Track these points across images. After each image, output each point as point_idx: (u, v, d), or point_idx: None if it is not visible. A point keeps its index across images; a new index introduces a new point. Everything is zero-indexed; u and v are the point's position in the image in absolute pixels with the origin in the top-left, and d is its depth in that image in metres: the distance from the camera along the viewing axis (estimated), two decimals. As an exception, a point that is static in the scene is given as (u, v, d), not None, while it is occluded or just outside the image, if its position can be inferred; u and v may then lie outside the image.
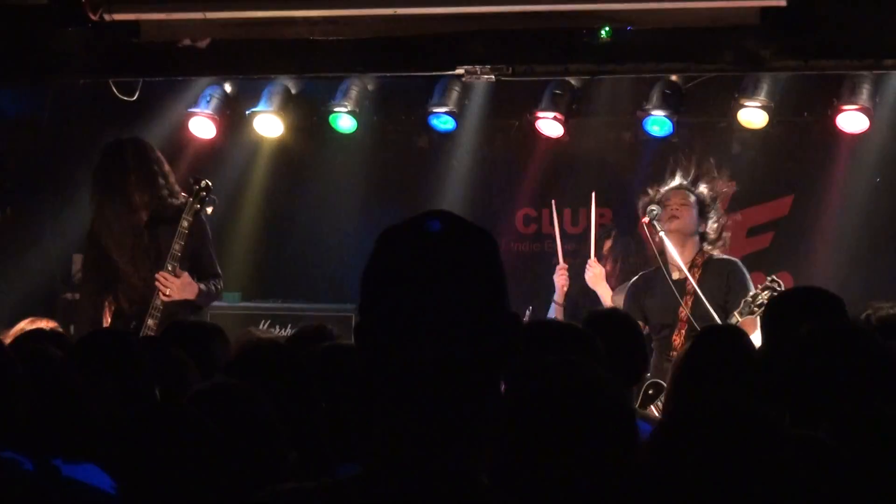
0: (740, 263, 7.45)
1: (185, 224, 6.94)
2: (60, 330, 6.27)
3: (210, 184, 7.08)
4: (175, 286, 6.93)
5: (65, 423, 3.62)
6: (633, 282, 7.58)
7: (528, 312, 8.16)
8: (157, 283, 6.92)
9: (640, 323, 7.42)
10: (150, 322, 6.88)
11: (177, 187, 7.24)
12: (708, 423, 2.24)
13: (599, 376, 2.98)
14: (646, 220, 7.35)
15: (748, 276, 7.36)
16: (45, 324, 6.85)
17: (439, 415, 2.16)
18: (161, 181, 7.14)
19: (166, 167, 7.26)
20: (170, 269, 6.92)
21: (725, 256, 7.44)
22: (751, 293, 6.95)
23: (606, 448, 2.85)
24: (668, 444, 2.28)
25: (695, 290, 7.11)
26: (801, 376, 3.55)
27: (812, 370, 3.54)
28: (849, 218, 9.20)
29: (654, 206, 7.32)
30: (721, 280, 7.27)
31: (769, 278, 7.00)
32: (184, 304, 6.99)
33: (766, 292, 6.88)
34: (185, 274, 6.98)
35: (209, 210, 7.09)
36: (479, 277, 2.18)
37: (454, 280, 2.16)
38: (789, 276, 9.30)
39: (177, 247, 6.92)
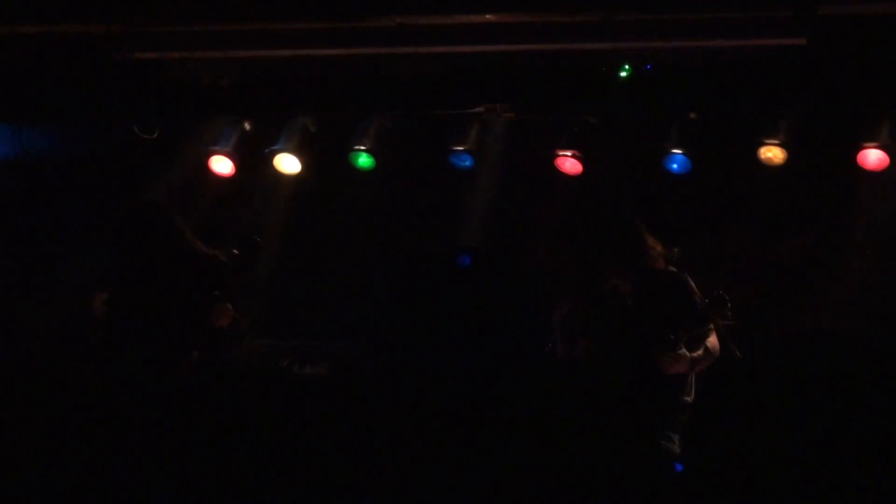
0: (683, 274, 7.28)
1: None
2: None
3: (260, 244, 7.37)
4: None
5: None
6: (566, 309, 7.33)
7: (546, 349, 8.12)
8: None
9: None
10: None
11: (195, 242, 7.14)
12: None
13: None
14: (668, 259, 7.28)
15: (692, 285, 7.17)
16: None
17: (462, 447, 2.17)
18: (184, 257, 7.08)
19: (187, 233, 7.13)
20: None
21: (669, 269, 7.27)
22: (698, 307, 6.84)
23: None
24: None
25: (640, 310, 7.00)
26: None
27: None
28: (870, 254, 9.17)
29: (676, 249, 7.23)
30: (663, 293, 7.12)
31: (715, 292, 6.91)
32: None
33: (714, 307, 6.78)
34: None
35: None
36: (510, 311, 2.20)
37: (486, 314, 2.17)
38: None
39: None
